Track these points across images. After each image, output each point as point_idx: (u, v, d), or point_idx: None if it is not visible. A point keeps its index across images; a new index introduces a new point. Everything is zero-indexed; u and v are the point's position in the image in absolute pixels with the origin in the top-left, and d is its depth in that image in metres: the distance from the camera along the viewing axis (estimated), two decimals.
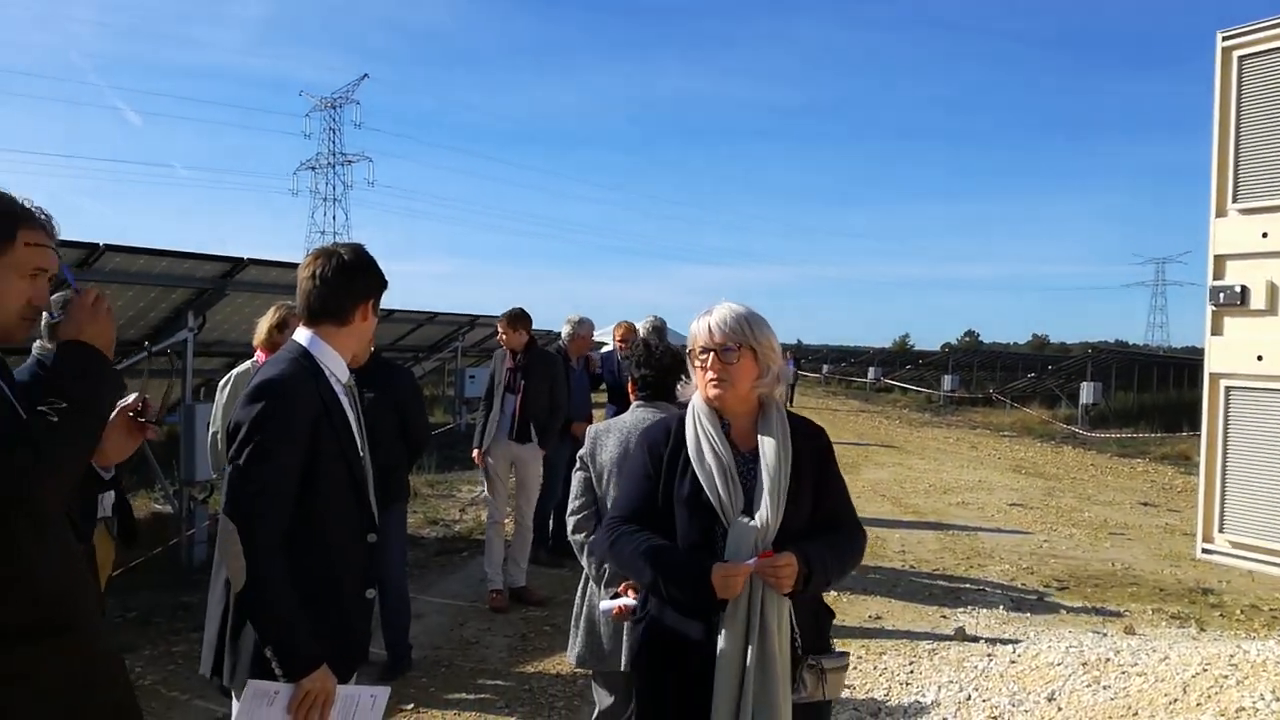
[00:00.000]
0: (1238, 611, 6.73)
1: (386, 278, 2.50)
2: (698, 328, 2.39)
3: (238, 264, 7.05)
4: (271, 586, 2.15)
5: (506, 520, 6.64)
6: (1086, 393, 23.84)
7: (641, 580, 2.34)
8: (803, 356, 29.80)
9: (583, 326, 7.81)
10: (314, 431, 2.24)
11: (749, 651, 2.16)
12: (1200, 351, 4.81)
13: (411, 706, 4.57)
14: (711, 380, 2.34)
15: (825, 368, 48.61)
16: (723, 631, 2.18)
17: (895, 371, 41.13)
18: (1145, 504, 11.89)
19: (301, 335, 2.40)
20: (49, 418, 1.77)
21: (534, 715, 4.57)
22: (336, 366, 2.39)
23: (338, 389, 2.37)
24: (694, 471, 2.30)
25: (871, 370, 42.32)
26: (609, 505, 3.26)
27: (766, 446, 2.32)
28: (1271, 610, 6.78)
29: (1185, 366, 32.81)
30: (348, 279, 2.39)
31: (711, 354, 2.34)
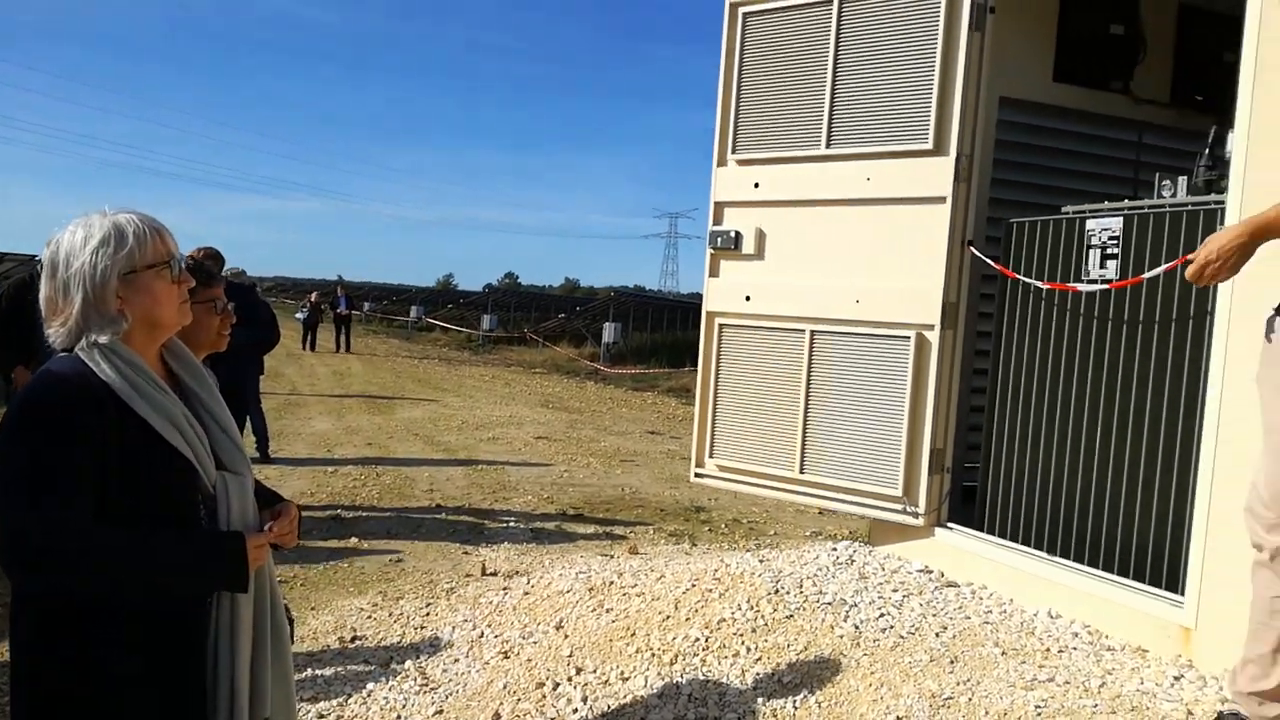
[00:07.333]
0: (723, 526, 7.55)
1: None
2: (167, 237, 1.84)
3: None
4: None
5: None
6: (608, 332, 25.91)
7: (143, 587, 1.72)
8: (350, 294, 28.37)
9: None
10: None
11: (266, 626, 1.87)
12: (703, 297, 5.17)
13: None
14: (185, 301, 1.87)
15: (367, 305, 47.28)
16: (235, 612, 1.80)
17: (438, 310, 41.20)
18: (652, 432, 13.03)
19: None
20: None
21: None
22: None
23: None
24: (145, 423, 1.72)
25: (414, 309, 41.99)
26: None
27: (200, 379, 1.91)
28: (749, 523, 7.70)
29: (691, 309, 36.97)
30: None
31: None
